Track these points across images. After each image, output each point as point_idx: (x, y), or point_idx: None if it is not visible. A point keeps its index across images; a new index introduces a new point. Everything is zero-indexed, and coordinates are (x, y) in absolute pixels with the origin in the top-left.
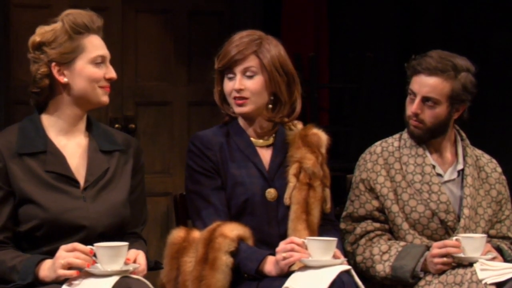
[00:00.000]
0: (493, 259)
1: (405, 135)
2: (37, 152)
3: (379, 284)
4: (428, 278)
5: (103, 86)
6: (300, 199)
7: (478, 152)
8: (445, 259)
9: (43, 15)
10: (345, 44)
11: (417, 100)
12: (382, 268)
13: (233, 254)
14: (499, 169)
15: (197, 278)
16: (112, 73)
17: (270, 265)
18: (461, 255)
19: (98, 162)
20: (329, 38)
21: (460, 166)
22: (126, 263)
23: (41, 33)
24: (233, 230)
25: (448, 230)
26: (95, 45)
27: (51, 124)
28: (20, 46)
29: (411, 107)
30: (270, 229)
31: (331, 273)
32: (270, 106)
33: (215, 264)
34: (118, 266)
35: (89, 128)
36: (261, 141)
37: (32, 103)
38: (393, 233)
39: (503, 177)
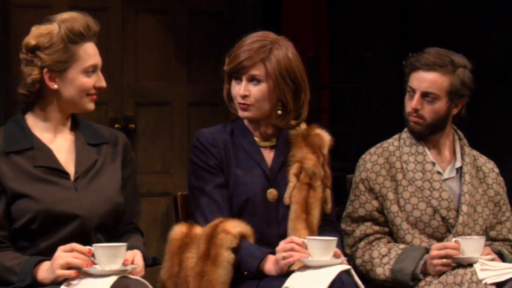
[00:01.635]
0: (492, 260)
1: (404, 134)
2: (24, 150)
3: (379, 285)
4: (428, 278)
5: (91, 94)
6: (300, 199)
7: (476, 152)
8: (444, 260)
9: (43, 15)
10: (345, 44)
11: (417, 95)
12: (382, 271)
13: (235, 250)
14: (496, 170)
15: (199, 274)
16: (102, 82)
17: (270, 264)
18: (461, 256)
19: (87, 154)
20: (329, 38)
21: (458, 164)
22: (124, 264)
23: (36, 35)
24: (235, 227)
25: (449, 228)
26: (89, 54)
27: (36, 123)
28: (20, 46)
29: (411, 103)
30: (270, 229)
31: (331, 272)
32: (279, 112)
33: (216, 260)
34: (116, 266)
35: (74, 124)
36: (264, 142)
37: (19, 100)
38: (393, 233)
39: (501, 178)
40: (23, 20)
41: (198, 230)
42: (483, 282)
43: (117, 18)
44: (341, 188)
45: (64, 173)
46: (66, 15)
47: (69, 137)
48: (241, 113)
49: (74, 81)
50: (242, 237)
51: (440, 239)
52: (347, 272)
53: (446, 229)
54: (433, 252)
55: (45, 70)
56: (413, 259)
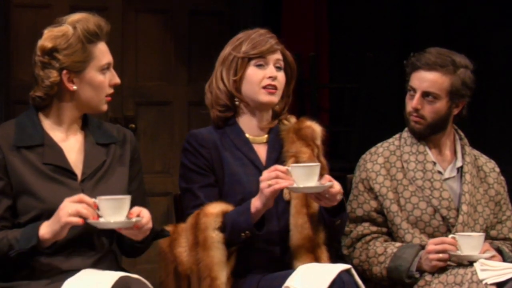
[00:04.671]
0: (492, 257)
1: (404, 134)
2: (34, 145)
3: (379, 284)
4: (428, 278)
5: (108, 95)
6: (299, 194)
7: (476, 152)
8: (440, 255)
9: (43, 15)
10: (345, 44)
11: (417, 95)
12: (379, 270)
13: (222, 230)
14: (497, 169)
15: (194, 263)
16: (116, 79)
17: (255, 202)
18: (459, 253)
19: (95, 155)
20: (329, 38)
21: (459, 163)
22: (129, 218)
23: (52, 38)
24: (215, 208)
25: (449, 227)
26: (103, 52)
27: (48, 122)
28: (20, 46)
29: (412, 103)
30: (269, 226)
31: (332, 272)
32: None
33: (206, 243)
34: (121, 218)
35: (84, 123)
36: (257, 138)
37: (31, 103)
38: (392, 233)
39: (502, 177)
40: (23, 20)
41: (184, 225)
42: (484, 282)
43: (117, 18)
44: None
45: (71, 173)
46: (77, 16)
47: (79, 137)
48: (268, 97)
49: (92, 80)
50: (223, 214)
51: None
52: (347, 271)
53: (446, 228)
54: (430, 247)
55: (64, 71)
56: (408, 257)
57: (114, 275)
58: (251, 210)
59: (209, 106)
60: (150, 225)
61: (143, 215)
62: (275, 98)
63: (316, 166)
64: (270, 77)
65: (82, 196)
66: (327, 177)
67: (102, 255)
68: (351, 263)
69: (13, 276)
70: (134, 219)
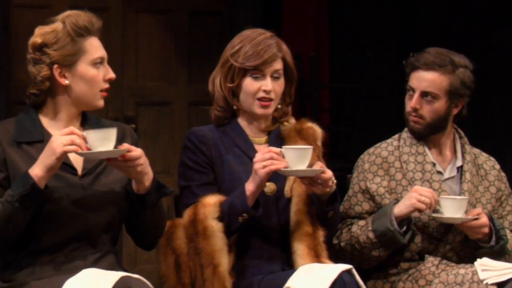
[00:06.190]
0: (475, 220)
1: (404, 134)
2: (34, 141)
3: (382, 278)
4: (429, 278)
5: (102, 90)
6: (301, 192)
7: (476, 150)
8: (423, 198)
9: (43, 15)
10: (345, 44)
11: (416, 95)
12: (365, 237)
13: (221, 219)
14: (497, 166)
15: (195, 253)
16: (111, 74)
17: (249, 185)
18: (441, 215)
19: None
20: (329, 38)
21: (459, 163)
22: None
23: (42, 34)
24: (212, 198)
25: (448, 228)
26: (95, 47)
27: (47, 121)
28: (21, 46)
29: (410, 103)
30: (270, 223)
31: (333, 272)
32: (279, 106)
33: (206, 232)
34: (109, 148)
35: (84, 120)
36: (256, 139)
37: (28, 102)
38: None
39: (503, 174)
40: (23, 20)
41: (181, 220)
42: (484, 282)
43: (117, 18)
44: (341, 188)
45: (71, 168)
46: (67, 12)
47: None
48: (262, 111)
49: (84, 74)
50: (220, 203)
51: (439, 239)
52: (348, 272)
53: (445, 229)
54: (418, 187)
55: (55, 66)
56: (387, 211)
57: (115, 275)
58: (246, 194)
59: (211, 96)
60: (143, 160)
61: (134, 149)
62: (269, 111)
63: (308, 149)
64: (265, 90)
65: (72, 128)
66: (319, 163)
67: (103, 255)
68: (339, 247)
69: (14, 276)
70: (122, 149)
